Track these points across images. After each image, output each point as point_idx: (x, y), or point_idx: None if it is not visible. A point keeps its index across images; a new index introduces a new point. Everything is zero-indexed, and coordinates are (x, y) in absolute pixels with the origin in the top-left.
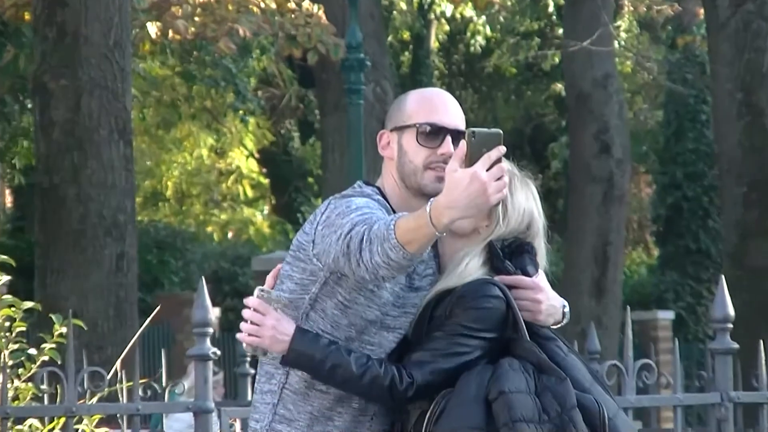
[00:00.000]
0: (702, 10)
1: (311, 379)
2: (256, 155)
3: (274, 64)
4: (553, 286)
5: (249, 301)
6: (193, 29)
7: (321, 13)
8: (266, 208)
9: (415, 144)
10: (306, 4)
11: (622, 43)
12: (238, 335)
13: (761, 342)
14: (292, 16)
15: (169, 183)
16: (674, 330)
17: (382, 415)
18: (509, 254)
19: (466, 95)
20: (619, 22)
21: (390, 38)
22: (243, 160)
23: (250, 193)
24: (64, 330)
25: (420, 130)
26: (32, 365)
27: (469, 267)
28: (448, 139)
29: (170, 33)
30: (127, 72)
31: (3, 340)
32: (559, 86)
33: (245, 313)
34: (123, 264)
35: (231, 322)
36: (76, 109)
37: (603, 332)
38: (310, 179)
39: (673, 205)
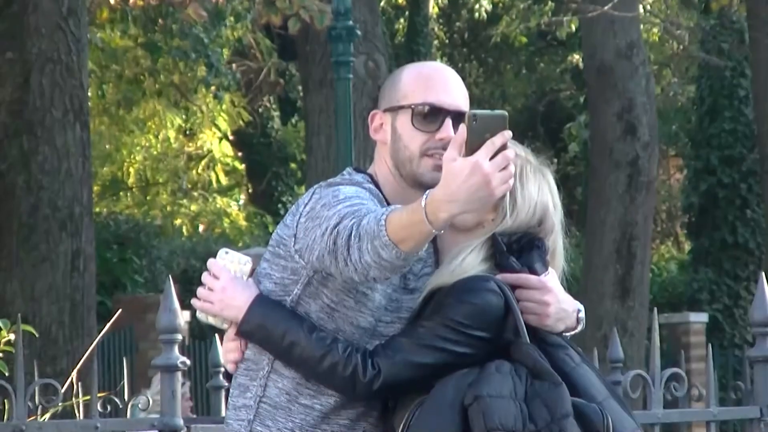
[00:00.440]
0: None
1: (294, 391)
2: (231, 137)
3: (251, 33)
4: (571, 287)
5: (209, 262)
6: None
7: None
8: (242, 198)
9: (410, 127)
10: None
11: (648, 7)
12: (192, 300)
13: None
14: None
15: (131, 169)
16: (708, 335)
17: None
18: (517, 251)
19: (470, 68)
20: None
21: (383, 3)
22: (216, 142)
23: (223, 180)
24: (12, 337)
25: (416, 111)
26: None
27: (466, 263)
28: (449, 121)
29: None
30: (83, 44)
31: None
32: (576, 57)
33: (203, 276)
34: (79, 262)
35: (202, 328)
36: (25, 87)
37: (628, 338)
38: (293, 165)
39: (707, 193)
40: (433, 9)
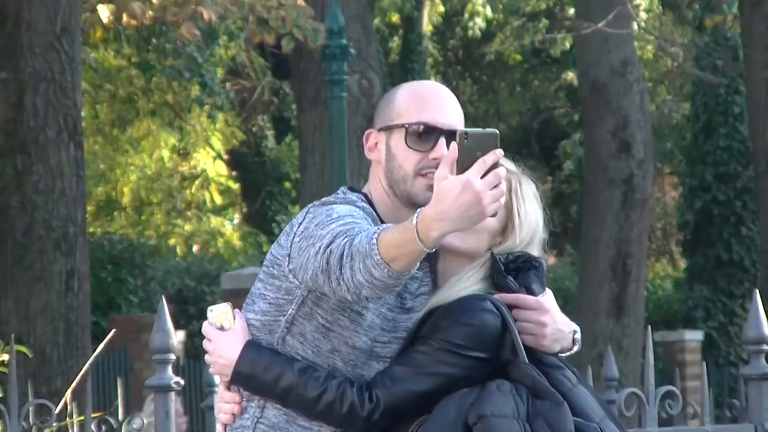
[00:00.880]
0: None
1: (293, 412)
2: (225, 157)
3: (244, 52)
4: (566, 304)
5: (203, 328)
6: (151, 13)
7: None
8: (236, 218)
9: (404, 147)
10: None
11: (643, 24)
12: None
13: None
14: None
15: (126, 189)
16: (703, 353)
17: None
18: (514, 270)
19: (464, 86)
20: (638, 1)
21: (377, 21)
22: (210, 162)
23: (218, 200)
24: (6, 357)
25: (410, 130)
26: None
27: (464, 281)
28: (442, 141)
29: (125, 17)
30: (76, 63)
31: None
32: (570, 75)
33: (203, 342)
34: (73, 282)
35: (197, 348)
36: (19, 107)
37: (623, 357)
38: (287, 184)
39: (702, 211)
40: (427, 27)
